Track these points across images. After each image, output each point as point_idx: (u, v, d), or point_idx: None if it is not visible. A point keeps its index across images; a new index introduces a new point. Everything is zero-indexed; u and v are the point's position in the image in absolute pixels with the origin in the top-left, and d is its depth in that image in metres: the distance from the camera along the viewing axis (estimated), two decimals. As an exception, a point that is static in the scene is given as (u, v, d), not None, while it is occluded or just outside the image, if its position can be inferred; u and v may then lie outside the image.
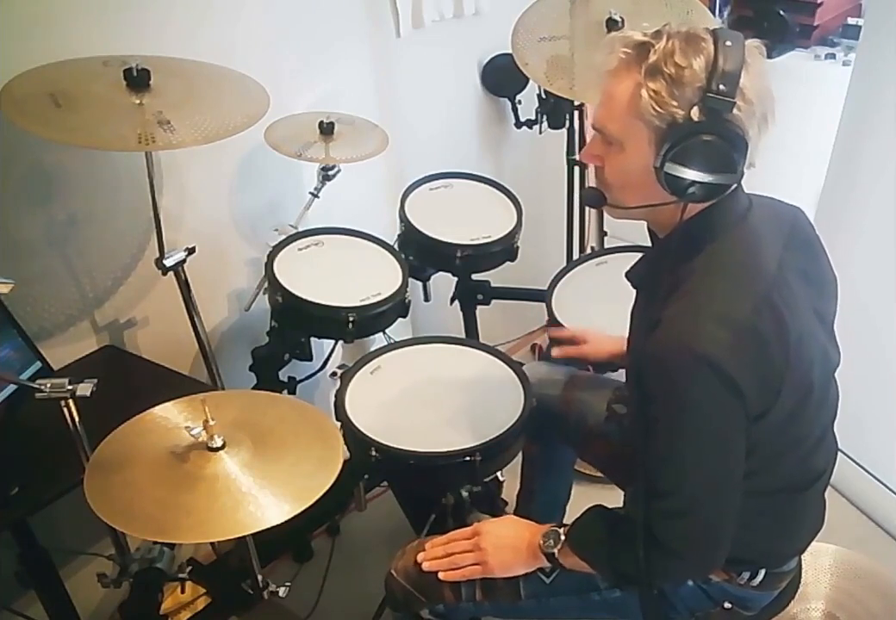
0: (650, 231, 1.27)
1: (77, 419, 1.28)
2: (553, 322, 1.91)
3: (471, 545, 1.37)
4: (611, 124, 1.12)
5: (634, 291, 1.32)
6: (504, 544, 1.35)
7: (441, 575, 1.36)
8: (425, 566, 1.38)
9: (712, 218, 1.15)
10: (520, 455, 1.71)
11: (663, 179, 1.09)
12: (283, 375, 2.01)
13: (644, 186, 1.13)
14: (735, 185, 1.13)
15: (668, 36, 1.07)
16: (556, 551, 1.29)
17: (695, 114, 1.05)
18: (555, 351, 1.66)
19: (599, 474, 1.80)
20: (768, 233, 1.19)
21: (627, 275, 1.30)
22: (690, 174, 1.07)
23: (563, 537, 1.30)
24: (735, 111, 1.05)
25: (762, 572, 1.30)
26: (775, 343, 1.09)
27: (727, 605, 1.33)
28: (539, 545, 1.31)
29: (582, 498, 1.72)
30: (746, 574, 1.30)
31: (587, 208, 2.48)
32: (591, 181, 2.40)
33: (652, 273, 1.23)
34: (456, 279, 2.23)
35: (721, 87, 1.03)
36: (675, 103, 1.05)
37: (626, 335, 1.35)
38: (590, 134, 2.46)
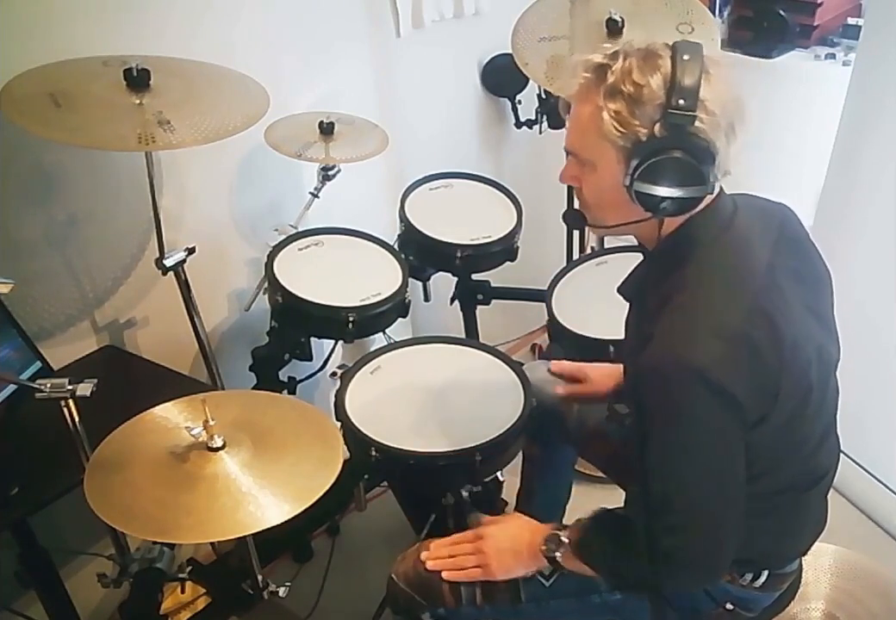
0: (640, 245, 1.27)
1: (77, 419, 1.28)
2: (553, 322, 1.91)
3: (473, 548, 1.38)
4: (579, 146, 1.14)
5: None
6: (505, 548, 1.36)
7: (444, 575, 1.37)
8: (429, 565, 1.38)
9: (696, 228, 1.15)
10: (520, 455, 1.71)
11: (635, 197, 1.10)
12: (283, 375, 2.01)
13: (619, 204, 1.13)
14: (716, 193, 1.13)
15: (626, 55, 1.08)
16: (557, 555, 1.29)
17: (658, 130, 1.05)
18: (559, 390, 1.65)
19: (600, 474, 1.80)
20: (756, 236, 1.19)
21: (619, 290, 1.31)
22: (660, 190, 1.08)
23: (564, 540, 1.29)
24: (698, 124, 1.05)
25: (765, 573, 1.30)
26: (769, 349, 1.08)
27: (729, 606, 1.33)
28: (540, 549, 1.31)
29: (582, 498, 1.72)
30: (749, 576, 1.30)
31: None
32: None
33: (642, 286, 1.24)
34: (456, 279, 2.23)
35: (680, 101, 1.03)
36: (636, 122, 1.06)
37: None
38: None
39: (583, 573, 1.29)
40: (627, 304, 1.34)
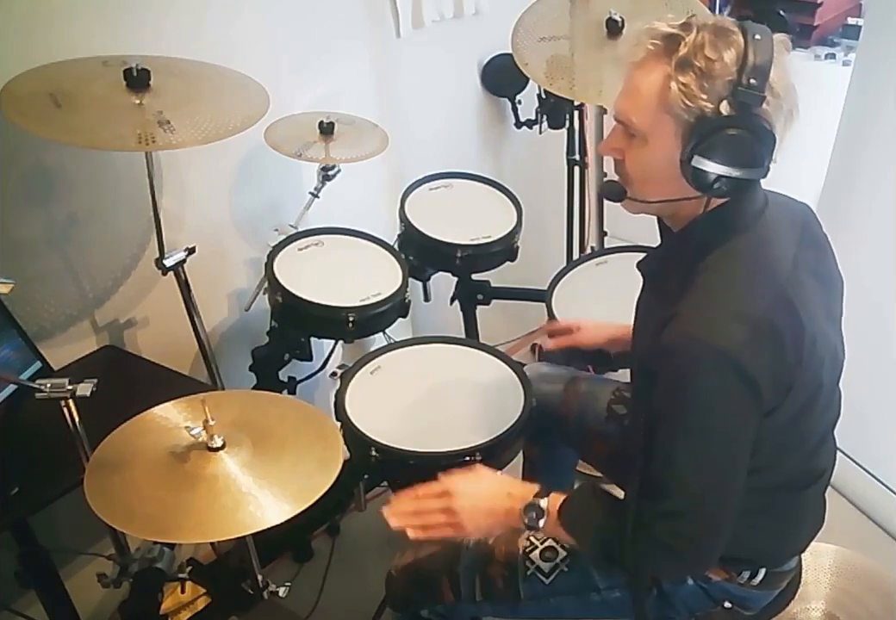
0: (661, 225, 1.25)
1: (77, 419, 1.28)
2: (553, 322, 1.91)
3: (442, 505, 1.26)
4: (636, 117, 1.11)
5: (636, 289, 1.32)
6: (479, 507, 1.25)
7: (410, 534, 1.25)
8: (392, 523, 1.25)
9: (732, 213, 1.14)
10: (520, 455, 1.71)
11: (689, 174, 1.08)
12: (283, 375, 2.01)
13: (667, 181, 1.11)
14: (756, 182, 1.13)
15: (698, 28, 1.06)
16: (539, 523, 1.21)
17: (724, 107, 1.04)
18: (549, 344, 1.65)
19: (600, 474, 1.80)
20: (783, 231, 1.19)
21: (639, 265, 1.29)
22: (718, 168, 1.05)
23: (543, 507, 1.22)
24: (764, 105, 1.04)
25: (762, 571, 1.30)
26: (790, 340, 1.08)
27: (727, 605, 1.33)
28: (520, 516, 1.22)
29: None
30: (746, 574, 1.30)
31: (587, 208, 2.48)
32: (591, 181, 2.43)
33: (665, 266, 1.22)
34: (456, 279, 2.23)
35: (751, 80, 1.02)
36: (704, 96, 1.04)
37: (630, 327, 1.34)
38: (590, 133, 2.47)
39: (560, 538, 1.26)
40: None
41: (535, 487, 1.25)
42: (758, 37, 1.04)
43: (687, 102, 1.04)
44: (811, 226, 1.26)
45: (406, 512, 1.27)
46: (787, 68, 1.07)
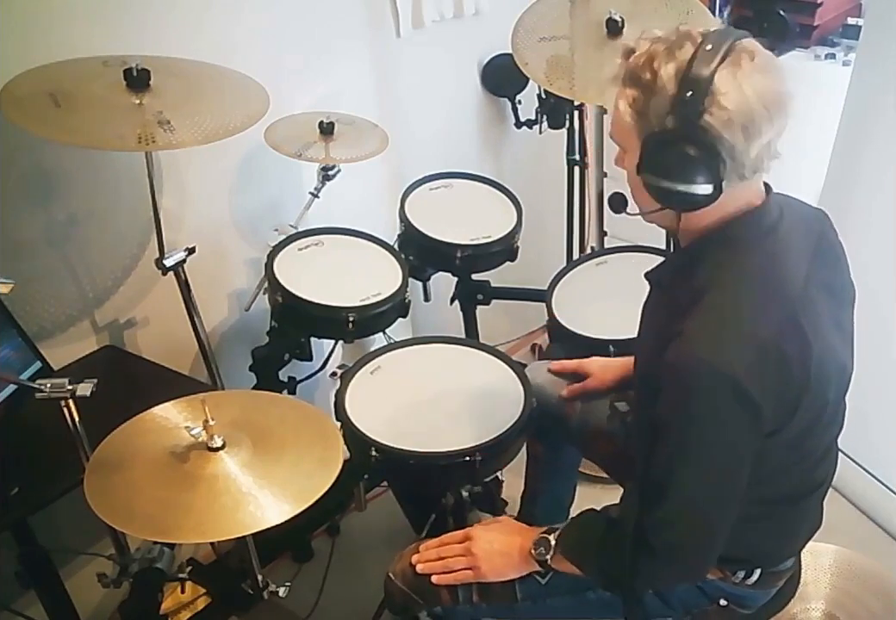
0: (674, 239, 1.26)
1: (77, 419, 1.28)
2: (553, 322, 1.91)
3: (462, 549, 1.37)
4: (613, 130, 1.14)
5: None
6: (495, 549, 1.35)
7: (434, 579, 1.36)
8: (419, 568, 1.38)
9: (740, 229, 1.12)
10: (520, 454, 1.71)
11: (646, 187, 1.10)
12: (283, 375, 2.01)
13: (641, 192, 1.13)
14: (767, 197, 1.12)
15: (654, 41, 1.06)
16: (548, 558, 1.29)
17: (669, 121, 1.03)
18: (564, 393, 1.65)
19: (603, 474, 1.80)
20: (796, 245, 1.17)
21: (647, 275, 1.28)
22: (664, 183, 1.06)
23: (553, 543, 1.29)
24: (707, 117, 1.01)
25: (757, 571, 1.30)
26: (797, 364, 1.07)
27: (723, 603, 1.33)
28: (530, 552, 1.31)
29: (585, 499, 1.72)
30: (741, 573, 1.30)
31: (587, 208, 2.48)
32: (591, 181, 2.43)
33: (674, 279, 1.22)
34: (456, 279, 2.23)
35: (688, 93, 1.01)
36: (651, 111, 1.05)
37: (635, 331, 1.34)
38: (590, 133, 2.47)
39: (573, 573, 1.29)
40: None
41: (546, 527, 1.33)
42: (709, 47, 1.01)
43: (637, 116, 1.06)
44: (827, 234, 1.24)
45: (431, 558, 1.38)
46: (756, 77, 1.02)
